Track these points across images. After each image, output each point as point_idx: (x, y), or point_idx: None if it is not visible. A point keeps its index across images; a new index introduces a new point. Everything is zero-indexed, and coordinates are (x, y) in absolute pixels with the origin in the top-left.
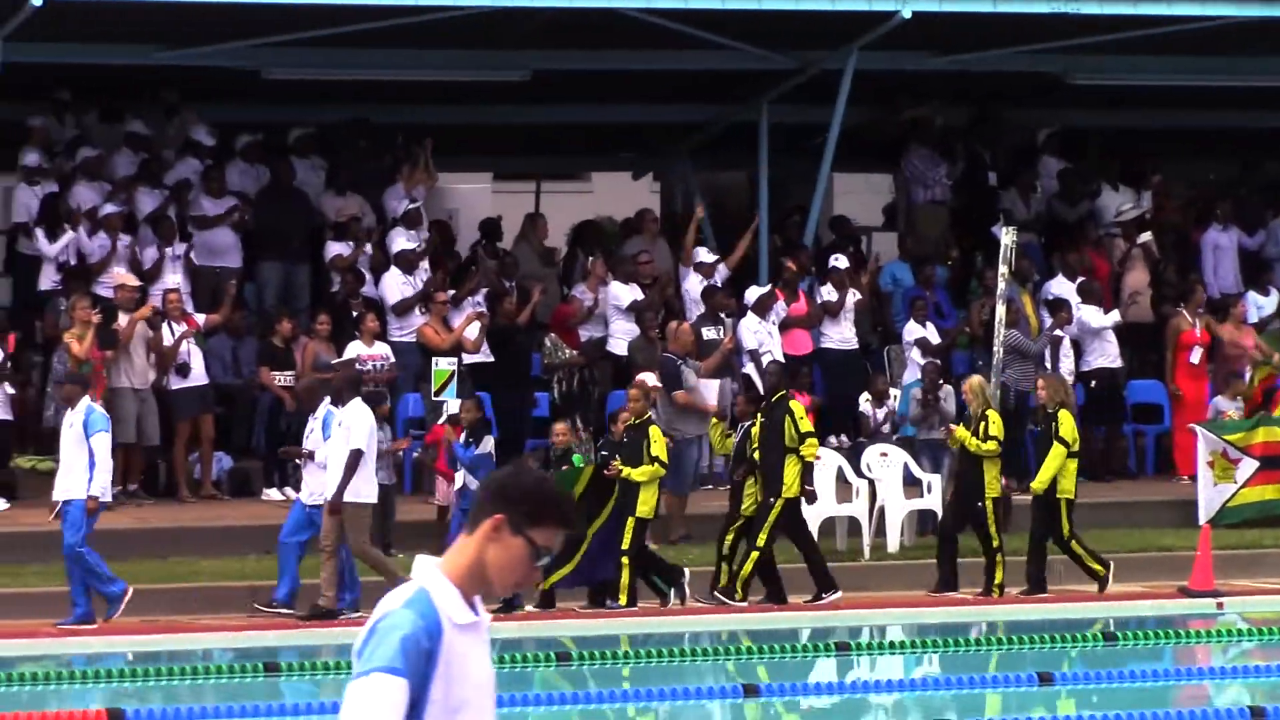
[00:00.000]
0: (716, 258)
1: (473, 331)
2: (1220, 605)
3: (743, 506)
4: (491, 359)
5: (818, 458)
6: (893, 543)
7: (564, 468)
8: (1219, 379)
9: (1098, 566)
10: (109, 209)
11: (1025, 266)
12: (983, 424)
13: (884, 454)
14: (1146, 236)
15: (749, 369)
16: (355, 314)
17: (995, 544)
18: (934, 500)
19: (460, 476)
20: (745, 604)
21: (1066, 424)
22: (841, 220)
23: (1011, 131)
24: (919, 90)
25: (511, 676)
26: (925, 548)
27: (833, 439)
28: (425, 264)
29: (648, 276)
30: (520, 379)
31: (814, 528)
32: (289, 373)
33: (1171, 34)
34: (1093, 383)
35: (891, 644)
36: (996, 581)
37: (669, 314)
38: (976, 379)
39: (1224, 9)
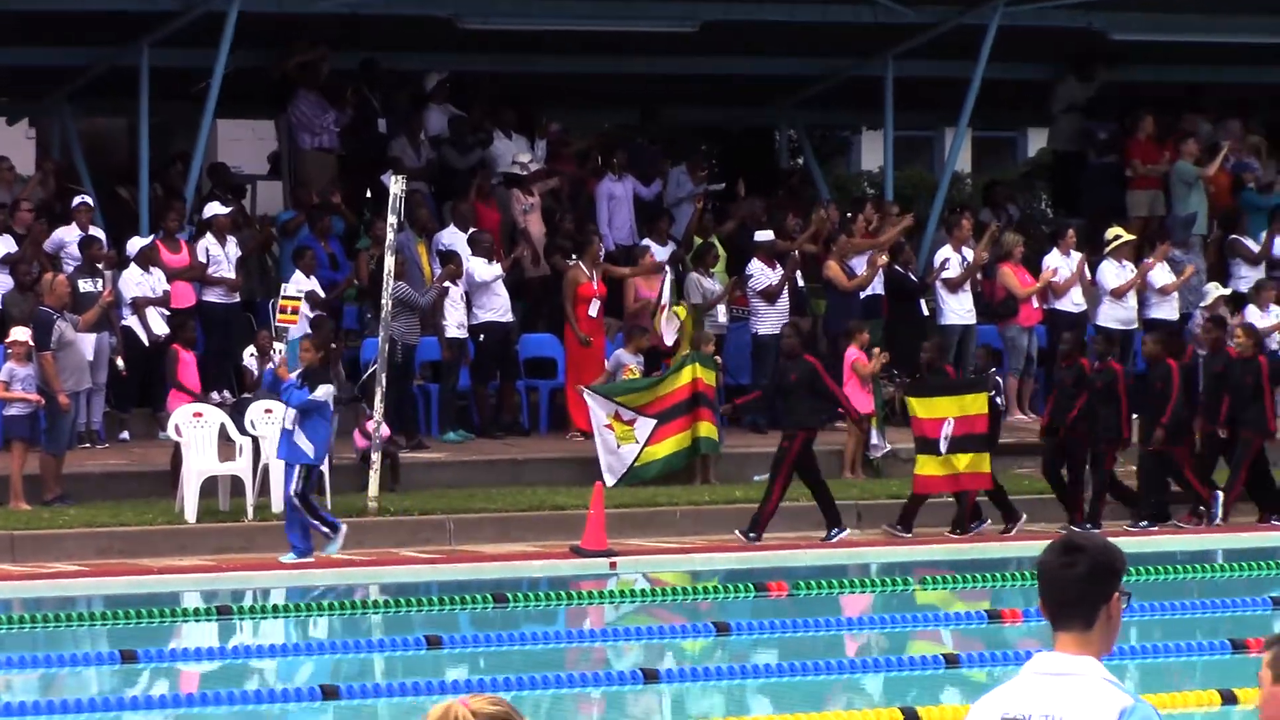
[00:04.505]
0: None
1: None
2: (613, 565)
3: None
4: None
5: None
6: (277, 502)
7: None
8: (624, 331)
9: None
10: None
11: (422, 216)
12: None
13: (268, 410)
14: (551, 184)
15: (130, 321)
16: None
17: None
18: None
19: None
20: None
21: None
22: (220, 168)
23: (402, 77)
24: (308, 34)
25: None
26: None
27: (215, 395)
28: None
29: (22, 226)
30: None
31: (196, 486)
32: None
33: None
34: (482, 336)
35: (276, 607)
36: None
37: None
38: None
39: None
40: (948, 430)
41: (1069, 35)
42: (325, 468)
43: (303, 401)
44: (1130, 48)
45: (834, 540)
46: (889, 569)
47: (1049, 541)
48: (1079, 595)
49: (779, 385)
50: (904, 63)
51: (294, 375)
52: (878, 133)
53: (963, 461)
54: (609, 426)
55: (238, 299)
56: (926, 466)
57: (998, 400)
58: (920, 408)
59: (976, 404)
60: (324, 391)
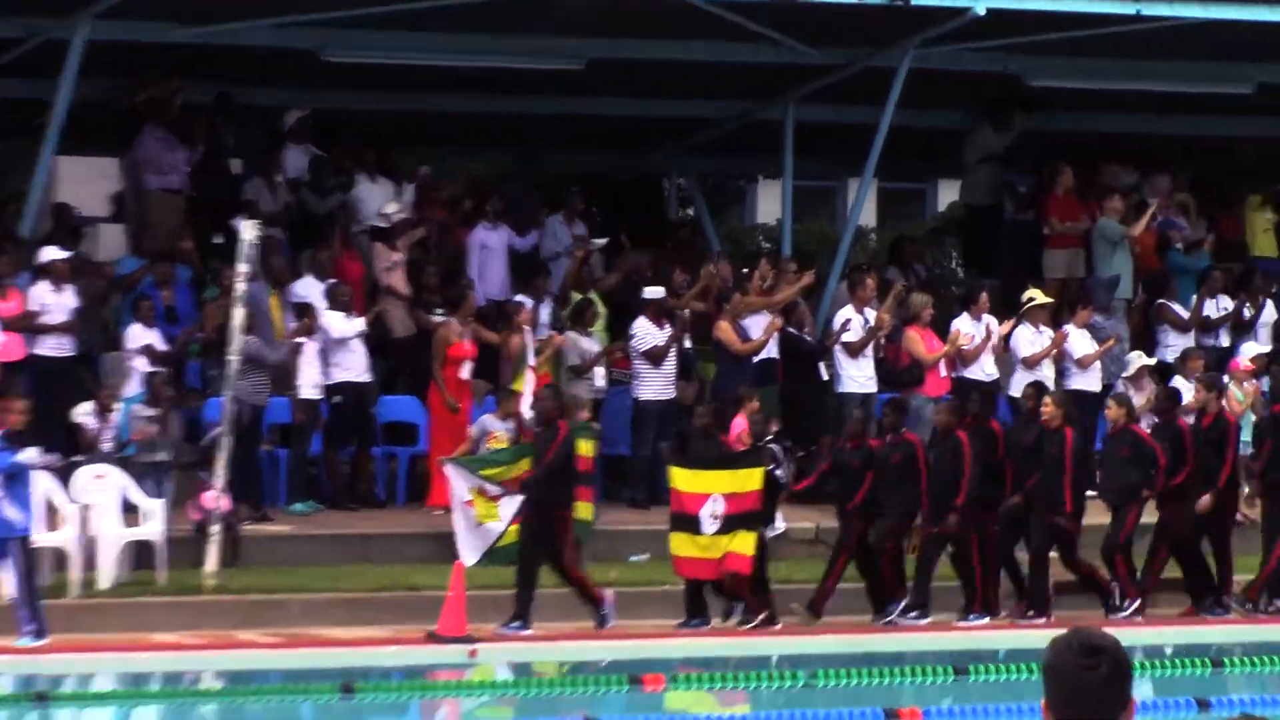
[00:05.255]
0: None
1: None
2: (473, 653)
3: None
4: None
5: None
6: (105, 578)
7: None
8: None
9: None
10: None
11: (276, 265)
12: None
13: (100, 476)
14: (418, 234)
15: None
16: None
17: None
18: (154, 529)
19: None
20: None
21: None
22: (63, 209)
23: (259, 114)
24: (158, 65)
25: None
26: (142, 584)
27: (41, 456)
28: None
29: None
30: None
31: None
32: None
33: (431, 9)
34: (337, 397)
35: (99, 694)
36: None
37: None
38: None
39: None
40: (716, 508)
41: (985, 80)
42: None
43: (9, 465)
44: (1050, 94)
45: (508, 633)
46: (778, 661)
47: (1058, 638)
48: (1102, 699)
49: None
50: (805, 107)
51: None
52: (776, 182)
53: (732, 542)
54: (470, 503)
55: (72, 352)
56: (683, 546)
57: (777, 474)
58: (683, 479)
59: (751, 480)
60: (29, 454)
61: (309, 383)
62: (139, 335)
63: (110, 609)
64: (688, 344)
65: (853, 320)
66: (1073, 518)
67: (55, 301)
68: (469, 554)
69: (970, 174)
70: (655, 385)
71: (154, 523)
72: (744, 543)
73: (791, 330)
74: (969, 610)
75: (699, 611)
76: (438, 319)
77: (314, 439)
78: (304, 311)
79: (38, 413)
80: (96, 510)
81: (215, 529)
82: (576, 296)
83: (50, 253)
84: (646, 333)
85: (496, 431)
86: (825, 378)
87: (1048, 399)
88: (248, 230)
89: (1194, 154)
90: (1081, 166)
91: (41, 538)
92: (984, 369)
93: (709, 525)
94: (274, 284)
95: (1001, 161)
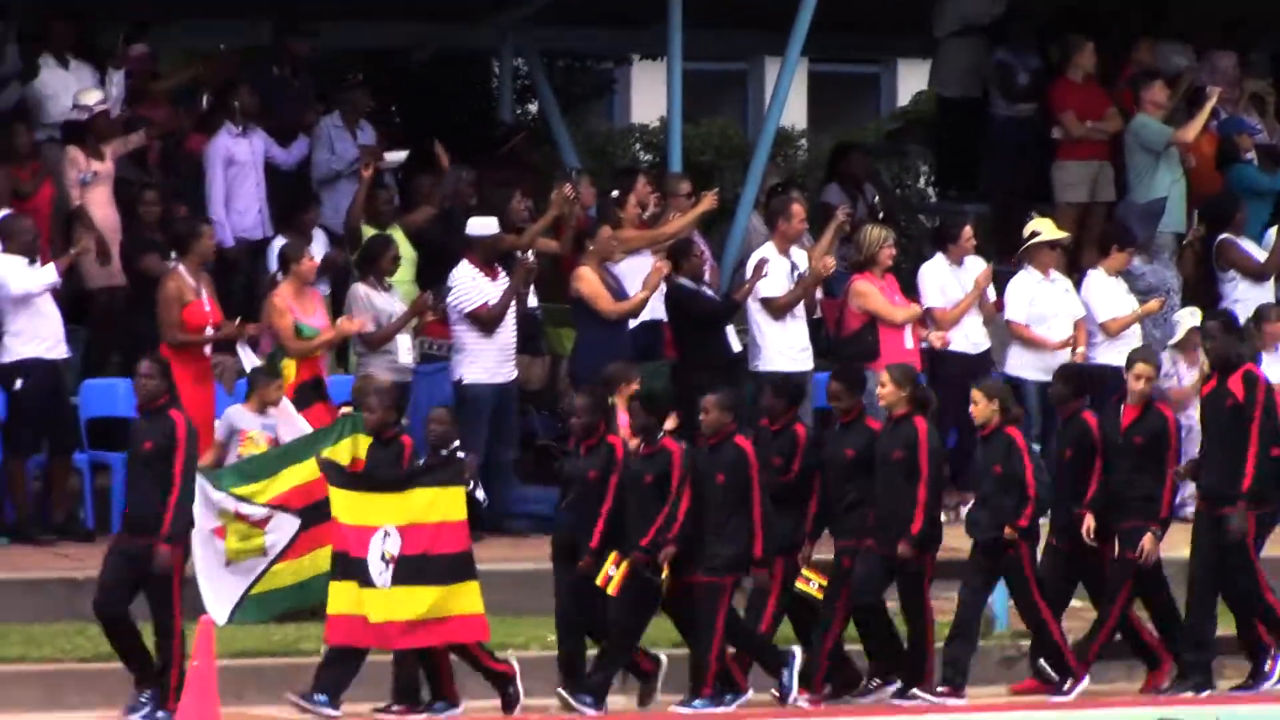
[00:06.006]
0: None
1: None
2: None
3: None
4: None
5: None
6: None
7: None
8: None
9: None
10: None
11: None
12: None
13: None
14: (134, 140)
15: None
16: None
17: None
18: None
19: None
20: None
21: None
22: None
23: None
24: None
25: None
26: None
27: None
28: None
29: None
30: None
31: None
32: None
33: None
34: (19, 381)
35: None
36: None
37: None
38: None
39: None
40: (389, 547)
41: None
42: None
43: None
44: None
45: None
46: None
47: None
48: None
49: None
50: None
51: None
52: (659, 64)
53: (419, 599)
54: (218, 531)
55: None
56: (341, 599)
57: (479, 496)
58: (343, 505)
59: (439, 505)
60: None
61: None
62: None
63: None
64: (533, 302)
65: (774, 265)
66: (920, 544)
67: None
68: (219, 607)
69: (944, 52)
70: (487, 361)
71: None
72: (465, 597)
73: (685, 281)
74: (695, 695)
75: (411, 694)
76: (166, 265)
77: None
78: None
79: None
80: None
81: None
82: (368, 233)
83: None
84: (472, 285)
85: (250, 430)
86: (737, 349)
87: (883, 375)
88: None
89: (1276, 22)
90: (1109, 40)
91: None
92: (968, 336)
93: (379, 573)
94: None
95: (990, 34)
